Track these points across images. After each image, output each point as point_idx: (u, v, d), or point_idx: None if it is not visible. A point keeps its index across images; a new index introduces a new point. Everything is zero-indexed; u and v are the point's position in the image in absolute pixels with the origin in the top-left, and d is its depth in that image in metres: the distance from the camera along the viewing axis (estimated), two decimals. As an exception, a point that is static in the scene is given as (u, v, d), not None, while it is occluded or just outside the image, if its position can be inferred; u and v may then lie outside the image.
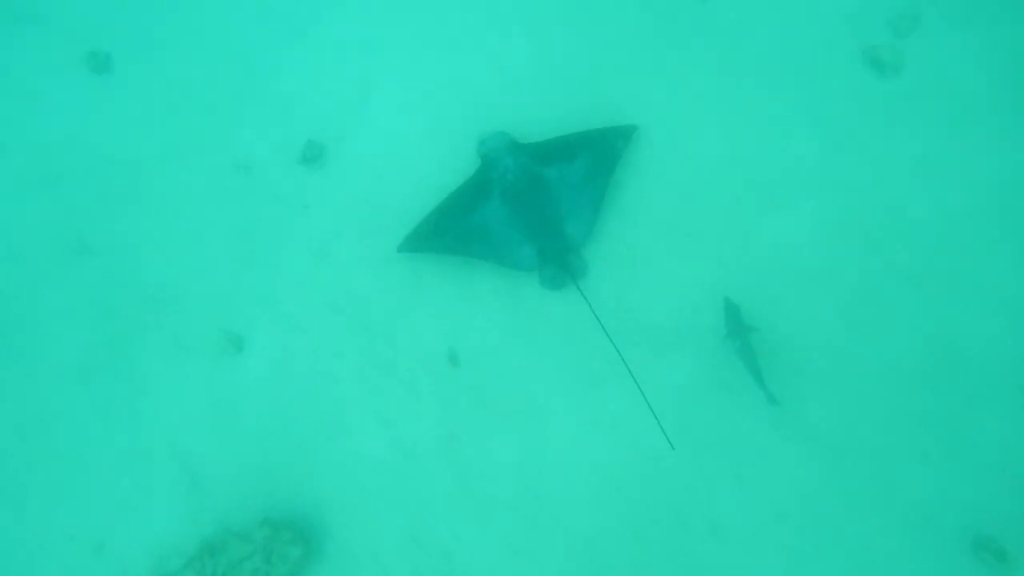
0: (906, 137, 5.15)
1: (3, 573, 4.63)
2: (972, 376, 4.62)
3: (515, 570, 4.46)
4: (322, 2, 5.49)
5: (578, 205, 4.70)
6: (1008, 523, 4.30)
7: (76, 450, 4.86)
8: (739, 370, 4.54)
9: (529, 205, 4.68)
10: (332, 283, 5.05)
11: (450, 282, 4.98)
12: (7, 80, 5.43)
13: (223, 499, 4.73)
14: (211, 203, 5.23)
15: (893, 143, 5.14)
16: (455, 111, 5.30)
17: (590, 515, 4.55)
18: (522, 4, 5.44)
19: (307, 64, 5.38)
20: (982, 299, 4.77)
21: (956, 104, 5.17)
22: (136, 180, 5.28)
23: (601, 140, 4.78)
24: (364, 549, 4.56)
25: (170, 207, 5.23)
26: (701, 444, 4.64)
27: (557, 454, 4.70)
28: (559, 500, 4.61)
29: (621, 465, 4.65)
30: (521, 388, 4.82)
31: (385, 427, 4.82)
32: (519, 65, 5.33)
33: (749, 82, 5.26)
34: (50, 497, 4.78)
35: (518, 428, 4.74)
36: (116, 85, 5.45)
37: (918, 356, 4.69)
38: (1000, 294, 4.77)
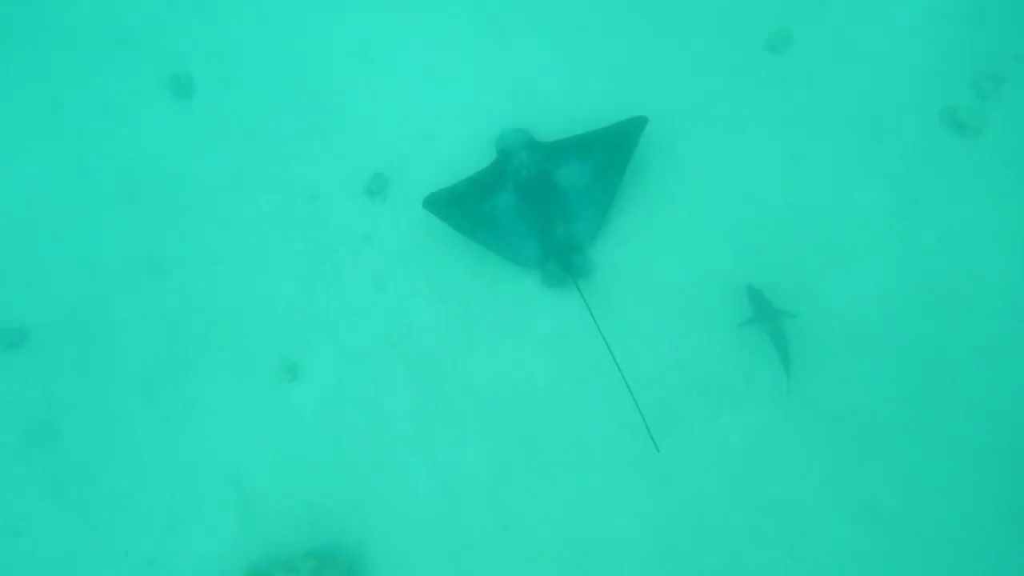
0: (984, 201, 4.96)
1: (61, 579, 4.79)
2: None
3: (555, 621, 4.44)
4: (395, 40, 5.56)
5: (587, 205, 4.77)
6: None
7: (136, 465, 5.01)
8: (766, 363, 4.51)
9: (539, 201, 4.74)
10: (388, 315, 5.11)
11: (504, 319, 5.00)
12: (95, 99, 5.64)
13: (271, 525, 4.82)
14: (278, 229, 5.34)
15: (970, 206, 4.96)
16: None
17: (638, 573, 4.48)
18: (596, 50, 5.43)
19: (378, 98, 5.47)
20: (1059, 379, 4.57)
21: (1041, 170, 4.98)
22: (209, 203, 5.43)
23: (613, 138, 4.75)
24: (409, 588, 4.58)
25: (240, 231, 5.37)
26: (752, 508, 4.54)
27: (605, 507, 4.65)
28: (606, 554, 4.56)
29: (669, 520, 4.58)
30: (571, 436, 4.80)
31: (433, 466, 4.85)
32: (585, 105, 5.30)
33: (820, 135, 5.14)
34: (110, 509, 4.94)
35: (567, 477, 4.72)
36: (196, 109, 5.62)
37: (983, 434, 4.51)
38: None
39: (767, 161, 5.11)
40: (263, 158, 5.46)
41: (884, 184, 5.01)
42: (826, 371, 4.72)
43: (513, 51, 5.48)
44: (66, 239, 5.38)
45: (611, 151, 4.75)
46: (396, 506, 4.80)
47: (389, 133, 5.37)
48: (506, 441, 4.83)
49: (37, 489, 4.98)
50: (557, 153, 4.82)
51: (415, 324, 5.06)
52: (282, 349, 5.10)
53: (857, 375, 4.70)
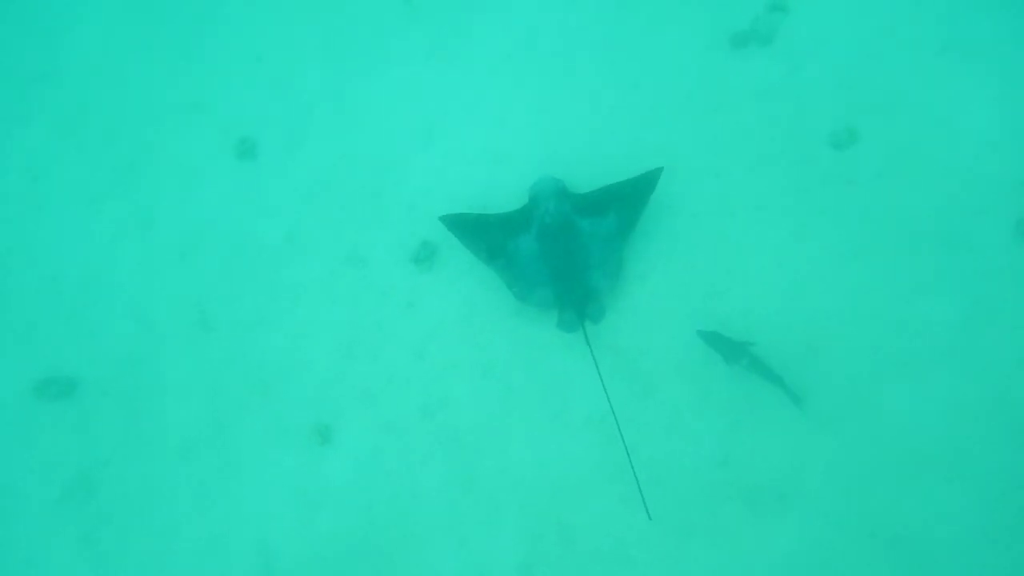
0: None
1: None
2: None
3: None
4: (457, 119, 5.62)
5: (605, 258, 4.83)
6: None
7: (168, 526, 5.03)
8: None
9: (559, 249, 4.83)
10: (426, 386, 5.04)
11: (545, 399, 4.87)
12: (166, 160, 5.87)
13: (295, 596, 4.70)
14: (325, 293, 5.38)
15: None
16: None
17: None
18: (651, 131, 5.38)
19: (433, 170, 5.51)
20: None
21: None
22: (261, 263, 5.52)
23: (631, 192, 4.84)
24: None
25: (287, 293, 5.42)
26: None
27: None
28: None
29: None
30: (607, 530, 4.57)
31: (460, 546, 4.69)
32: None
33: (885, 239, 4.87)
34: (139, 568, 4.94)
35: (601, 572, 4.47)
36: (258, 171, 5.77)
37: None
38: None
39: (825, 262, 4.87)
40: (318, 222, 5.54)
41: (952, 295, 4.68)
42: (886, 485, 4.40)
43: (565, 140, 5.47)
44: (122, 295, 5.55)
45: (628, 204, 4.85)
46: (421, 585, 4.64)
47: (442, 202, 5.38)
48: (538, 528, 4.64)
49: (69, 545, 5.04)
50: (583, 204, 4.90)
51: (452, 397, 4.98)
52: (319, 415, 5.08)
53: (920, 493, 4.36)
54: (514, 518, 4.68)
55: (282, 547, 4.85)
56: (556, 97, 5.54)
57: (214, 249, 5.60)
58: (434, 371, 5.04)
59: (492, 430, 4.87)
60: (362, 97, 5.80)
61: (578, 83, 5.54)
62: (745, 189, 5.10)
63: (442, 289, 5.19)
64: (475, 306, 5.09)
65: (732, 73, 5.37)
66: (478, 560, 4.62)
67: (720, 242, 5.00)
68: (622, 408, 4.69)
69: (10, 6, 6.43)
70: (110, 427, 5.28)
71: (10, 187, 5.93)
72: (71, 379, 5.35)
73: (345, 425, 5.03)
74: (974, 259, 4.74)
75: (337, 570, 4.74)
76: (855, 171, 5.03)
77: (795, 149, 5.15)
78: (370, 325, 5.21)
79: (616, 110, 5.43)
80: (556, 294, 4.81)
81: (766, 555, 4.38)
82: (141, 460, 5.17)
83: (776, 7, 5.40)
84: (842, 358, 4.67)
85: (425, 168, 5.53)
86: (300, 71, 5.93)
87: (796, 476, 4.51)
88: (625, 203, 4.84)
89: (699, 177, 5.15)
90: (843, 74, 5.22)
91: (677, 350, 4.82)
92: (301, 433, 5.07)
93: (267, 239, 5.57)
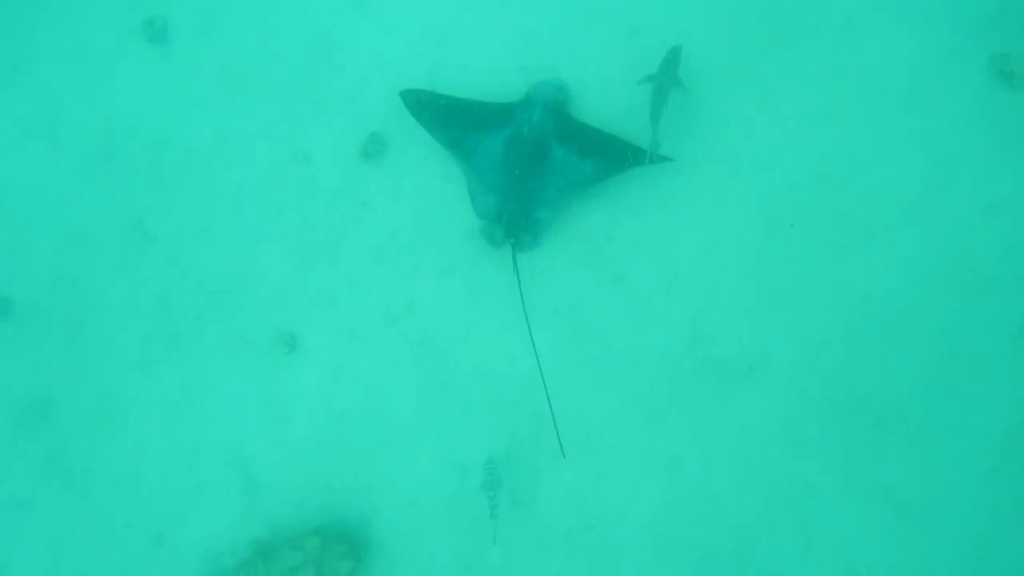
0: (1032, 163, 4.59)
1: (66, 555, 4.80)
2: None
3: (566, 603, 4.43)
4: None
5: (560, 196, 4.54)
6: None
7: (137, 441, 4.94)
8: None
9: (521, 165, 4.50)
10: (388, 288, 4.88)
11: (506, 296, 4.75)
12: (62, 49, 5.20)
13: (276, 502, 4.77)
14: (269, 193, 5.04)
15: (1018, 171, 4.59)
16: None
17: (650, 556, 4.43)
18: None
19: (373, 52, 5.00)
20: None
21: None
22: (194, 165, 5.11)
23: (622, 153, 4.48)
24: (414, 567, 4.56)
25: (228, 195, 5.06)
26: (765, 491, 4.44)
27: (614, 487, 4.56)
28: (613, 529, 4.50)
29: (679, 503, 4.50)
30: (581, 414, 4.65)
31: (438, 443, 4.74)
32: (602, 65, 4.84)
33: (850, 94, 4.68)
34: (112, 485, 4.90)
35: (576, 459, 4.59)
36: (174, 61, 5.17)
37: (1010, 422, 4.32)
38: None
39: (793, 125, 4.68)
40: (249, 117, 5.08)
41: (920, 153, 4.58)
42: (848, 351, 4.50)
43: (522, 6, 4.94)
44: (43, 207, 5.10)
45: (611, 162, 4.46)
46: (401, 483, 4.72)
47: (387, 89, 4.92)
48: (512, 420, 4.68)
49: (36, 465, 4.93)
50: (570, 132, 4.49)
51: (417, 299, 4.83)
52: (280, 323, 4.91)
53: (881, 356, 4.48)
54: (488, 412, 4.71)
55: (257, 453, 4.83)
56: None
57: (139, 152, 5.13)
58: (395, 273, 4.85)
59: (460, 329, 4.78)
60: (281, -34, 5.13)
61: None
62: (708, 51, 4.77)
63: (396, 186, 4.89)
64: (432, 202, 4.83)
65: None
66: (456, 456, 4.69)
67: (683, 111, 4.71)
68: (592, 297, 4.64)
69: None
70: (56, 346, 5.04)
71: None
72: (3, 299, 5.01)
73: (310, 333, 4.89)
74: (943, 110, 4.62)
75: (316, 474, 4.76)
76: (820, 23, 4.72)
77: (758, 6, 4.77)
78: (323, 228, 4.93)
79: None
80: (498, 206, 4.53)
81: (738, 428, 4.52)
82: (96, 378, 4.99)
83: None
84: (808, 230, 4.63)
85: (362, 50, 5.03)
86: (206, -65, 5.17)
87: (763, 350, 4.59)
88: (609, 160, 4.44)
89: (662, 42, 4.76)
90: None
91: (644, 235, 4.68)
92: (265, 342, 4.91)
93: (196, 138, 5.11)
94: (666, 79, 4.36)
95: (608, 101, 4.75)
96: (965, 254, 4.50)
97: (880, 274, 4.55)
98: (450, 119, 4.55)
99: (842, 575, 4.29)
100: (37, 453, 4.94)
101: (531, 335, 4.44)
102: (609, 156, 4.47)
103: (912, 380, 4.43)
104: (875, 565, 4.26)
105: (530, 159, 4.46)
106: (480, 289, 4.80)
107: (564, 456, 4.45)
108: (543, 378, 4.43)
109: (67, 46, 5.21)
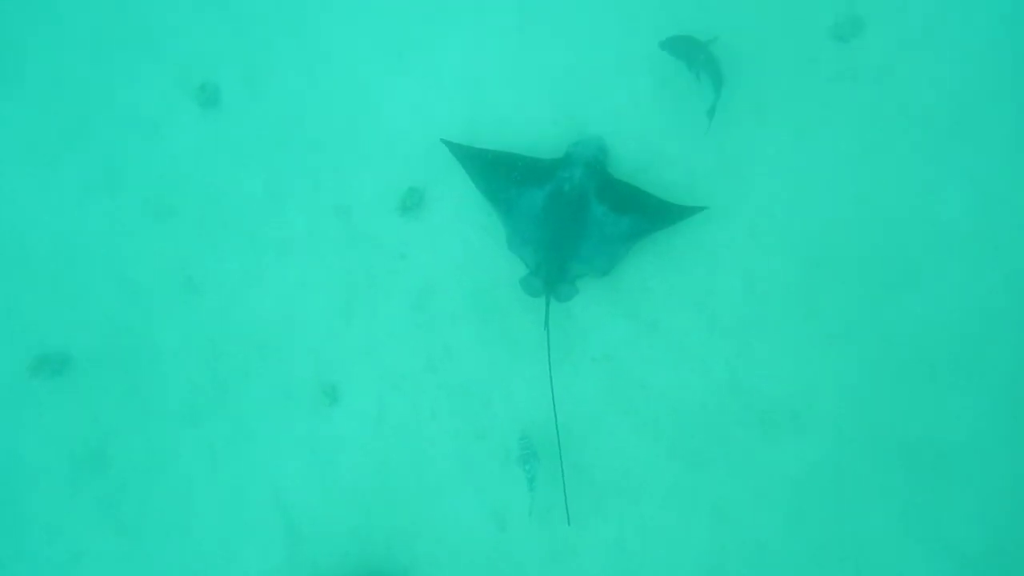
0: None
1: (119, 601, 4.91)
2: None
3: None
4: (432, 43, 5.16)
5: (598, 252, 4.53)
6: None
7: (185, 489, 5.06)
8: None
9: (561, 220, 4.53)
10: (428, 338, 4.93)
11: (544, 343, 4.74)
12: (123, 113, 5.47)
13: (318, 550, 4.83)
14: (312, 246, 5.17)
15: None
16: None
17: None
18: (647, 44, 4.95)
19: (413, 106, 5.13)
20: None
21: None
22: (241, 218, 5.27)
23: (660, 214, 4.49)
24: (454, 619, 4.54)
25: (273, 248, 5.21)
26: (815, 543, 4.29)
27: (658, 537, 4.47)
28: (657, 586, 4.41)
29: (723, 555, 4.38)
30: (622, 464, 4.59)
31: (478, 492, 4.73)
32: (616, 114, 4.88)
33: (894, 133, 4.61)
34: (162, 534, 5.02)
35: (619, 505, 4.54)
36: (224, 120, 5.40)
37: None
38: None
39: (834, 164, 4.61)
40: (295, 171, 5.24)
41: (964, 189, 4.46)
42: (897, 394, 4.36)
43: (559, 49, 5.00)
44: (101, 260, 5.31)
45: (649, 219, 4.49)
46: (442, 532, 4.72)
47: (425, 142, 5.04)
48: (553, 469, 4.64)
49: (91, 515, 5.08)
50: (610, 189, 4.52)
51: (455, 347, 4.87)
52: (321, 374, 5.00)
53: (934, 398, 4.33)
54: (528, 461, 4.68)
55: (300, 502, 4.90)
56: (535, 8, 5.07)
57: (190, 206, 5.32)
58: (433, 323, 4.91)
59: (498, 377, 4.80)
60: (323, 26, 5.34)
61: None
62: (744, 94, 4.75)
63: (433, 237, 4.96)
64: (469, 253, 4.89)
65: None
66: (495, 506, 4.67)
67: (719, 152, 4.71)
68: (629, 346, 4.62)
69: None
70: (111, 397, 5.19)
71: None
72: (63, 354, 5.23)
73: (351, 383, 4.96)
74: (988, 148, 4.50)
75: (357, 523, 4.81)
76: (861, 66, 4.67)
77: (795, 45, 4.75)
78: (364, 279, 5.03)
79: (604, 18, 4.98)
80: (536, 259, 4.56)
81: (783, 478, 4.41)
82: (148, 428, 5.14)
83: None
84: (850, 269, 4.53)
85: (402, 104, 5.14)
86: (255, 3, 5.42)
87: (807, 394, 4.49)
88: (648, 217, 4.47)
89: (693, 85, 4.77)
90: (844, -44, 4.74)
91: (679, 281, 4.65)
92: (307, 393, 5.00)
93: (244, 192, 5.28)
94: (698, 51, 4.45)
95: (641, 150, 4.76)
96: (1018, 291, 4.34)
97: (929, 313, 4.42)
98: (492, 171, 4.65)
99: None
100: (92, 503, 5.10)
101: (552, 390, 4.43)
102: (647, 213, 4.49)
103: (970, 423, 4.28)
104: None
105: (570, 215, 4.50)
106: (517, 338, 4.81)
107: (569, 524, 4.39)
108: (559, 439, 4.42)
109: (127, 110, 5.47)
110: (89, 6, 5.59)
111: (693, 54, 4.46)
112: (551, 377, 4.42)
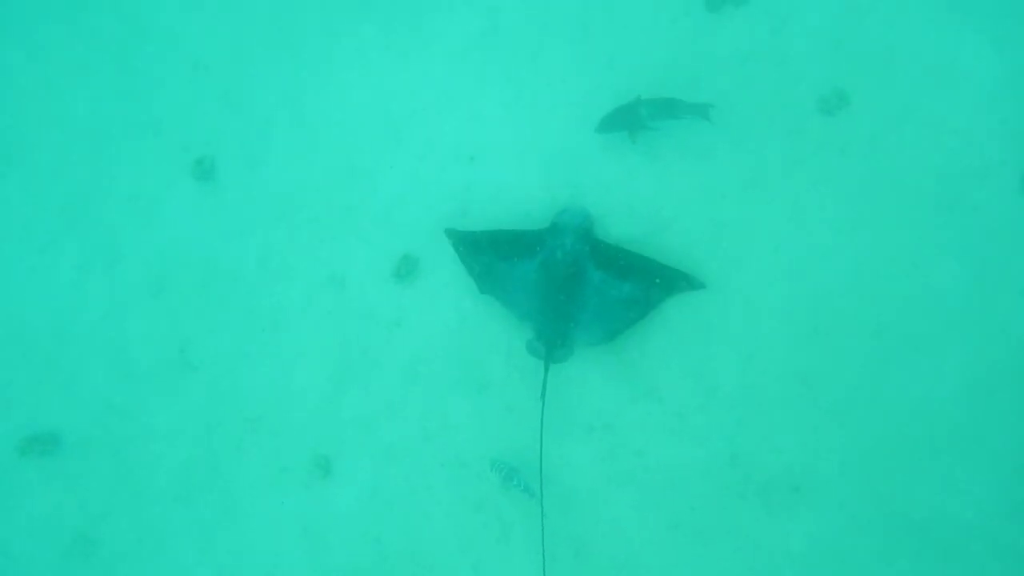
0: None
1: None
2: None
3: None
4: (424, 118, 5.24)
5: (598, 320, 4.50)
6: None
7: (179, 570, 4.93)
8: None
9: (557, 289, 4.52)
10: (422, 408, 4.89)
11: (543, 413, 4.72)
12: (121, 191, 5.53)
13: (312, 634, 4.66)
14: (306, 317, 5.16)
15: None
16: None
17: None
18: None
19: (405, 175, 5.19)
20: None
21: None
22: (236, 292, 5.28)
23: (661, 279, 4.50)
24: None
25: (267, 321, 5.21)
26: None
27: (659, 617, 4.36)
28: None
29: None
30: (620, 539, 4.51)
31: (474, 570, 4.62)
32: (621, 188, 4.94)
33: (883, 207, 4.64)
34: (151, 615, 4.86)
35: (617, 582, 4.43)
36: (220, 194, 5.45)
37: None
38: None
39: (827, 235, 4.64)
40: (290, 243, 5.27)
41: (958, 262, 4.48)
42: (901, 467, 4.31)
43: (549, 126, 5.07)
44: (95, 339, 5.31)
45: (650, 290, 4.50)
46: (439, 611, 4.60)
47: (419, 211, 5.08)
48: (551, 545, 4.54)
49: (78, 602, 4.95)
50: (603, 255, 4.54)
51: (451, 419, 4.82)
52: (316, 447, 4.94)
53: (937, 472, 4.27)
54: (525, 536, 4.58)
55: (294, 583, 4.78)
56: (526, 82, 5.17)
57: (185, 282, 5.33)
58: (428, 393, 4.87)
59: (494, 447, 4.73)
60: (320, 102, 5.43)
61: (548, 65, 5.14)
62: (734, 165, 4.81)
63: (427, 304, 4.96)
64: (463, 320, 4.88)
65: (709, 39, 5.00)
66: (496, 582, 4.57)
67: (711, 225, 4.74)
68: (626, 413, 4.59)
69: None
70: (101, 478, 5.14)
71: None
72: (54, 434, 5.19)
73: (345, 456, 4.90)
74: (978, 221, 4.51)
75: (353, 603, 4.68)
76: (848, 138, 4.74)
77: (782, 119, 4.84)
78: (357, 350, 5.01)
79: (591, 91, 5.08)
80: (537, 327, 4.56)
81: (785, 552, 4.32)
82: (138, 509, 5.07)
83: (749, -38, 5.00)
84: (847, 340, 4.51)
85: (396, 174, 5.20)
86: (250, 78, 5.52)
87: (809, 467, 4.43)
88: (648, 284, 4.49)
89: (683, 157, 4.84)
90: (827, 32, 4.85)
91: (676, 349, 4.64)
92: (300, 467, 4.94)
93: (239, 266, 5.30)
94: (634, 110, 4.60)
95: (634, 222, 4.79)
96: (1016, 362, 4.32)
97: (929, 384, 4.38)
98: (486, 249, 4.69)
99: None
100: (79, 588, 4.98)
101: (540, 463, 4.39)
102: (648, 276, 4.49)
103: (976, 497, 4.20)
104: None
105: (567, 281, 4.51)
106: (514, 406, 4.77)
107: None
108: (543, 517, 4.39)
109: (125, 186, 5.53)
110: (88, 86, 5.70)
111: (630, 118, 4.61)
112: (541, 443, 4.40)
